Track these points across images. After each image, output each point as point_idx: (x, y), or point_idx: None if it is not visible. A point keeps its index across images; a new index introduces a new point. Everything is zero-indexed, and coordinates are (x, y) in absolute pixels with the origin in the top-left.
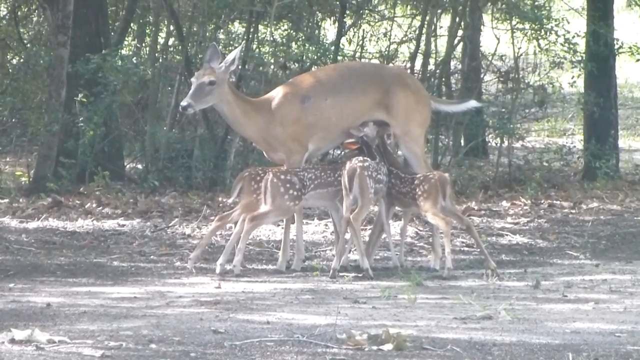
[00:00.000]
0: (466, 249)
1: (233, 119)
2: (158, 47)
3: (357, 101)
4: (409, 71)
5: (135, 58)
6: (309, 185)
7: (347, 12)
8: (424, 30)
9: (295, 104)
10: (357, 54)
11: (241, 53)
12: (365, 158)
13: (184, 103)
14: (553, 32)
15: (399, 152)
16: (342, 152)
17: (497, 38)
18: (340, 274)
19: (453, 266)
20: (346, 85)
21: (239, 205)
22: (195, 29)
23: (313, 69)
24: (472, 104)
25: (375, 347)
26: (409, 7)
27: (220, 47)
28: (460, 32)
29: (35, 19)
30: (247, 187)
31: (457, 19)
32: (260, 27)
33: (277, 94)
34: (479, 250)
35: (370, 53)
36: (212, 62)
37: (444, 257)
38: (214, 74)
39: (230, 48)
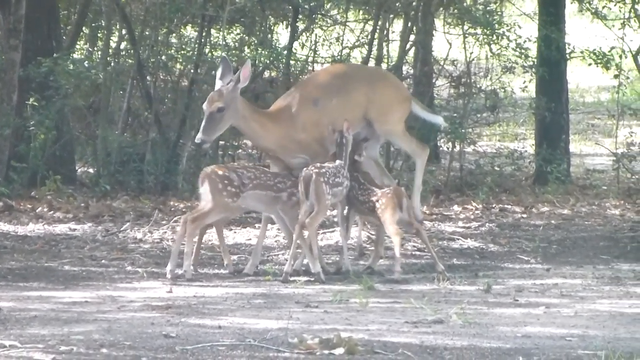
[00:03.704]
0: (417, 253)
1: (251, 133)
2: (110, 50)
3: (353, 99)
4: None
5: (87, 62)
6: (248, 184)
7: (300, 16)
8: (376, 35)
9: (311, 108)
10: (310, 59)
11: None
12: (322, 165)
13: (197, 140)
14: (505, 37)
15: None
16: None
17: (449, 43)
18: (292, 278)
19: (404, 270)
20: (343, 85)
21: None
22: (147, 32)
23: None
24: (440, 120)
25: (326, 352)
26: (361, 12)
27: (172, 51)
28: (412, 37)
29: None
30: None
31: (409, 24)
32: (213, 31)
33: (293, 100)
34: (429, 254)
35: (322, 57)
36: (225, 77)
37: (395, 261)
38: (222, 98)
39: (182, 52)
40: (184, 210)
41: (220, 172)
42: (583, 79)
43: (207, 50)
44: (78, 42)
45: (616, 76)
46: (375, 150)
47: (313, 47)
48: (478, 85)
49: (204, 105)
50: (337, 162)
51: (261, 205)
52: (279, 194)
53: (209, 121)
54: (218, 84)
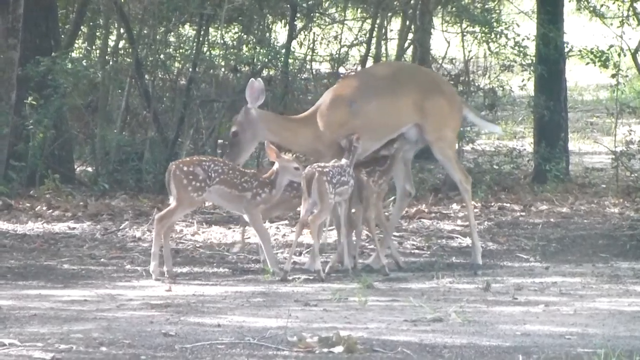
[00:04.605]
0: (416, 251)
1: (284, 142)
2: (108, 49)
3: (397, 103)
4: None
5: (85, 61)
6: (214, 177)
7: (298, 15)
8: (375, 34)
9: (342, 108)
10: (308, 57)
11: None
12: (325, 164)
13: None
14: (503, 35)
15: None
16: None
17: (447, 41)
18: (291, 276)
19: (404, 267)
20: (389, 87)
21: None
22: (145, 31)
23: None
24: (497, 130)
25: (326, 350)
26: (359, 10)
27: (170, 49)
28: (410, 36)
29: None
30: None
31: (408, 22)
32: (211, 29)
33: (324, 100)
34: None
35: (321, 56)
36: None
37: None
38: (235, 123)
39: (180, 51)
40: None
41: (184, 168)
42: (582, 77)
43: (205, 49)
44: (76, 41)
45: (613, 75)
46: (410, 153)
47: (311, 46)
48: (476, 84)
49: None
50: (343, 161)
51: (224, 202)
52: (243, 193)
53: (230, 145)
54: None
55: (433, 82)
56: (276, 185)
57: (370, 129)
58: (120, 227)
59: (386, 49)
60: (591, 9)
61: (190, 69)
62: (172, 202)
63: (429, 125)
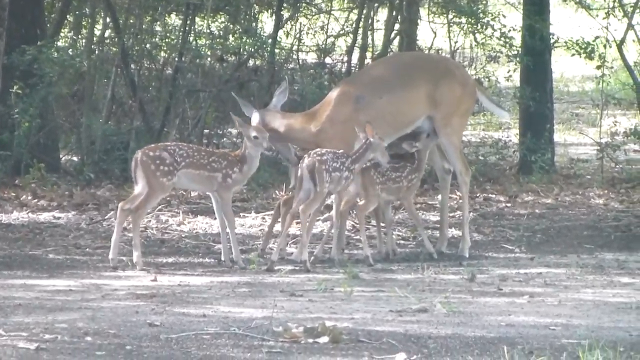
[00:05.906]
0: (402, 242)
1: (284, 137)
2: (94, 38)
3: (409, 97)
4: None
5: (71, 50)
6: (180, 162)
7: (285, 4)
8: (361, 24)
9: (347, 105)
10: (295, 47)
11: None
12: (323, 152)
13: None
14: (489, 26)
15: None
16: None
17: (433, 32)
18: (277, 267)
19: (389, 259)
20: (399, 81)
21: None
22: (131, 21)
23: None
24: (505, 115)
25: (311, 340)
26: (346, 1)
27: (156, 39)
28: (397, 26)
29: None
30: None
31: (394, 13)
32: (197, 19)
33: (330, 96)
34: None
35: (307, 46)
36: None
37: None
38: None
39: (166, 40)
40: (168, 199)
41: (151, 153)
42: (567, 68)
43: (191, 39)
44: (62, 30)
45: (599, 67)
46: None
47: (298, 36)
48: None
49: None
50: (341, 151)
51: (196, 184)
52: (213, 174)
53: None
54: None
55: (445, 69)
56: (247, 160)
57: (379, 125)
58: (106, 217)
59: (372, 40)
60: (577, 0)
61: (177, 59)
62: (140, 190)
63: (439, 113)
